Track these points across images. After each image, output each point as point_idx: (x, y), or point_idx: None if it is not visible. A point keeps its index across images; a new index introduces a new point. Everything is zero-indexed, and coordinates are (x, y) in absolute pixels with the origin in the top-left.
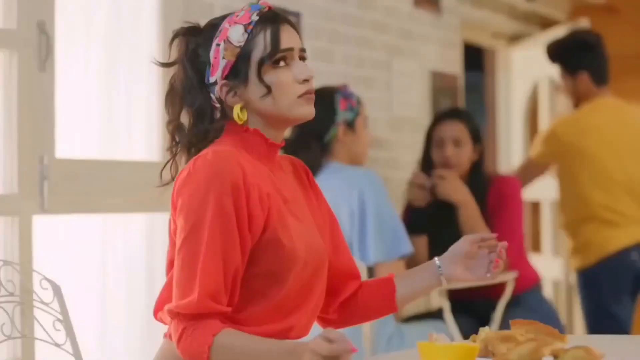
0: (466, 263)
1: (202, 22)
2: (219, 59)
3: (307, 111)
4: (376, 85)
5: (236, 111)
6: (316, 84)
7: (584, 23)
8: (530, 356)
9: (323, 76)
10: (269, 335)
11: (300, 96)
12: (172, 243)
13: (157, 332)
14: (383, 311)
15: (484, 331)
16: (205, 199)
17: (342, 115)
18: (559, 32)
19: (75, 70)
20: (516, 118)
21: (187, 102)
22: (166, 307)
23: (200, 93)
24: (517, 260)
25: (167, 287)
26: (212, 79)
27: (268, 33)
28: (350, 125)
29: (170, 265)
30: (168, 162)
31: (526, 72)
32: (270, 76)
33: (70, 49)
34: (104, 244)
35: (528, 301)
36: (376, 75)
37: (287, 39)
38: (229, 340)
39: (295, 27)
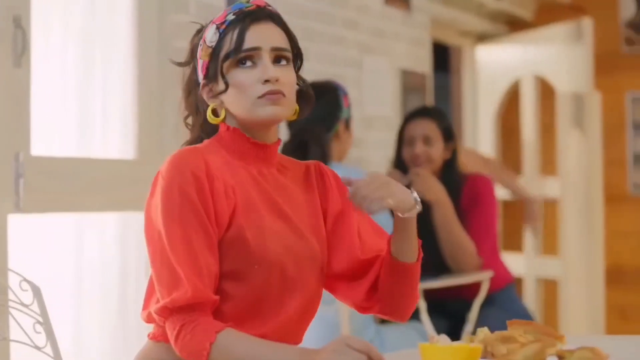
0: None
1: (177, 18)
2: (199, 59)
3: (267, 112)
4: (348, 84)
5: (208, 112)
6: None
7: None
8: (536, 357)
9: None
10: None
11: (260, 97)
12: None
13: (132, 332)
14: (399, 276)
15: (482, 332)
16: (171, 191)
17: (345, 112)
18: (551, 31)
19: (51, 66)
20: (483, 118)
21: (189, 101)
22: (153, 309)
23: (196, 92)
24: (490, 259)
25: (151, 284)
26: (199, 80)
27: (236, 31)
28: (347, 122)
29: None
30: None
31: (493, 71)
32: (232, 75)
33: (46, 44)
34: (79, 243)
35: (502, 300)
36: (348, 73)
37: (256, 37)
38: (232, 340)
39: (283, 26)
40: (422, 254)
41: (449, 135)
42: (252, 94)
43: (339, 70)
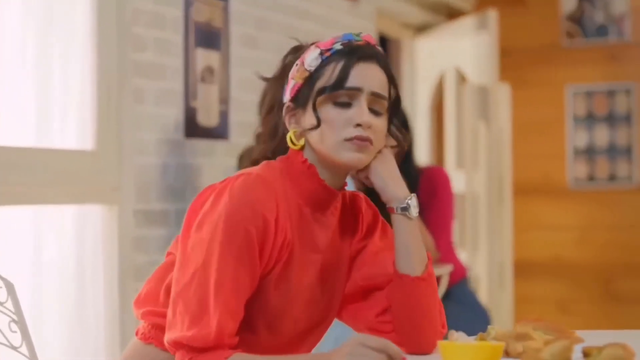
0: None
1: (137, 4)
2: (292, 78)
3: (350, 158)
4: None
5: (289, 136)
6: (241, 71)
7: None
8: (563, 354)
9: (249, 63)
10: None
11: (347, 139)
12: (177, 240)
13: (90, 325)
14: (403, 291)
15: (494, 329)
16: (237, 224)
17: None
18: (465, 23)
19: (8, 56)
20: (421, 109)
21: (268, 119)
22: (167, 337)
23: (279, 111)
24: (447, 253)
25: (156, 280)
26: (284, 98)
27: (340, 65)
28: None
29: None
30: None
31: (427, 63)
32: (323, 108)
33: (3, 34)
34: (37, 236)
35: (457, 294)
36: None
37: (360, 77)
38: None
39: (386, 68)
40: (431, 270)
41: (405, 127)
42: (340, 135)
43: None
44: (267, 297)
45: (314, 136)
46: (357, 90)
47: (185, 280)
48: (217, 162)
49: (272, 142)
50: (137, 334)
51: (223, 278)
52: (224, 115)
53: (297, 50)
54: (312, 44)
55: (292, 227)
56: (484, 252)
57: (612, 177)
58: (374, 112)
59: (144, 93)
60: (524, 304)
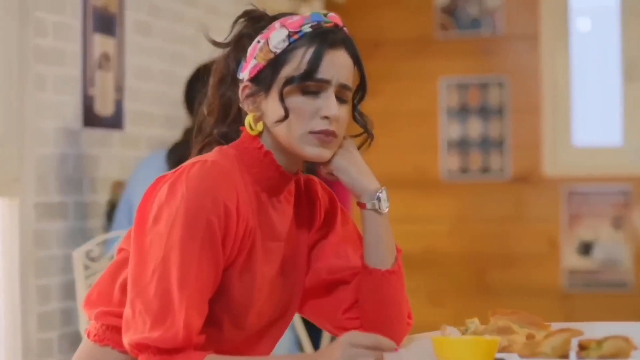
0: None
1: None
2: (252, 56)
3: (314, 153)
4: (187, 63)
5: (248, 120)
6: (136, 59)
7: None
8: (563, 347)
9: (142, 51)
10: None
11: (313, 132)
12: (129, 236)
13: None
14: (373, 284)
15: (473, 323)
16: (197, 217)
17: None
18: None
19: None
20: None
21: (220, 91)
22: (130, 340)
23: (233, 86)
24: None
25: (108, 279)
26: (241, 75)
27: (310, 52)
28: None
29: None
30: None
31: None
32: (291, 98)
33: None
34: None
35: None
36: (187, 51)
37: (329, 68)
38: None
39: (355, 54)
40: (400, 261)
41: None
42: (307, 126)
43: (179, 48)
44: (231, 290)
45: (277, 125)
46: (327, 82)
47: (144, 277)
48: (113, 153)
49: (225, 120)
50: (88, 335)
51: (186, 273)
52: (118, 104)
53: (252, 18)
54: (274, 17)
55: (253, 215)
56: None
57: (485, 170)
58: (339, 100)
59: (44, 80)
60: None
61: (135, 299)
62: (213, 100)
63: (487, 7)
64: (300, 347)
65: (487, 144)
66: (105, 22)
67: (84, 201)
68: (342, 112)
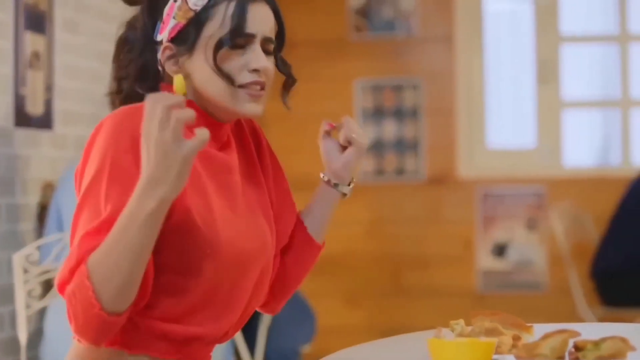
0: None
1: None
2: (170, 16)
3: (247, 109)
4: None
5: (177, 83)
6: (65, 57)
7: None
8: (561, 349)
9: (70, 49)
10: (195, 337)
11: (243, 85)
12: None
13: None
14: (307, 257)
15: (459, 324)
16: (103, 157)
17: None
18: None
19: None
20: None
21: (134, 54)
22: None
23: (149, 49)
24: None
25: None
26: (159, 37)
27: (232, 7)
28: None
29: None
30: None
31: None
32: (217, 56)
33: None
34: None
35: None
36: (112, 49)
37: (254, 22)
38: (98, 258)
39: (274, 6)
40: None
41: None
42: (237, 81)
43: (104, 45)
44: (195, 230)
45: (202, 79)
46: (252, 36)
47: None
48: (44, 153)
49: (145, 82)
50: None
51: (93, 214)
52: (48, 104)
53: None
54: None
55: None
56: None
57: (400, 171)
58: (265, 52)
59: None
60: (313, 299)
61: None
62: (129, 63)
63: (401, 9)
64: (236, 353)
65: (402, 146)
66: (36, 20)
67: (15, 203)
68: (269, 63)
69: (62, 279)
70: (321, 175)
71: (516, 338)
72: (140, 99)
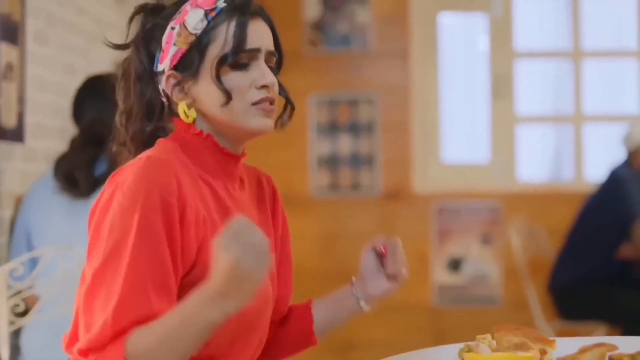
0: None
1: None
2: (170, 44)
3: (260, 124)
4: (78, 74)
5: (182, 108)
6: (35, 69)
7: None
8: None
9: (38, 60)
10: None
11: (254, 103)
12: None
13: None
14: (300, 347)
15: (486, 339)
16: (130, 216)
17: None
18: None
19: None
20: None
21: (137, 92)
22: (75, 347)
23: (151, 83)
24: None
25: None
26: (160, 67)
27: (232, 26)
28: None
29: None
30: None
31: None
32: (224, 78)
33: None
34: None
35: None
36: (78, 63)
37: (255, 36)
38: (142, 336)
39: (270, 23)
40: None
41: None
42: (247, 100)
43: (72, 59)
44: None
45: (210, 105)
46: (257, 50)
47: (88, 285)
48: (16, 167)
49: (151, 119)
50: None
51: (118, 275)
52: (20, 116)
53: (151, 10)
54: (177, 2)
55: (205, 203)
56: None
57: (355, 186)
58: (269, 67)
59: None
60: None
61: (83, 307)
62: (133, 102)
63: (356, 24)
64: None
65: (357, 161)
66: (9, 30)
67: None
68: (275, 79)
69: (91, 344)
70: (352, 280)
71: (542, 352)
72: (148, 137)
